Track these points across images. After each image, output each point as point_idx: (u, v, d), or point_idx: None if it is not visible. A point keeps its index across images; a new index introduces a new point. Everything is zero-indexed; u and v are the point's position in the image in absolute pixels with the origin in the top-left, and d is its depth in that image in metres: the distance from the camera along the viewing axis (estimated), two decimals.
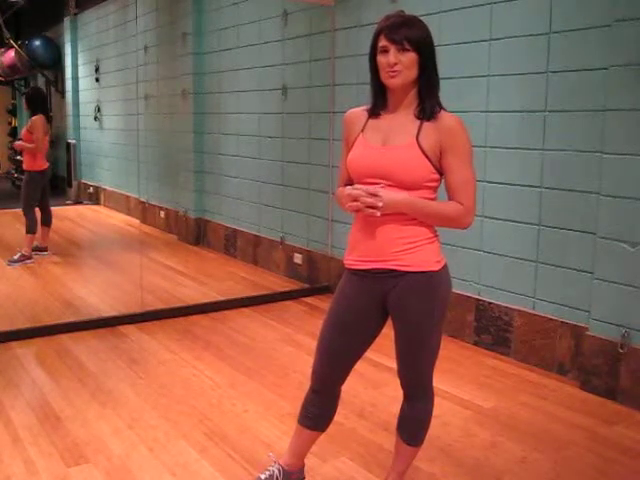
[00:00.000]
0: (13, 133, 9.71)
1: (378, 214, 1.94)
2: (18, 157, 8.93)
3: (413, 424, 2.25)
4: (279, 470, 2.33)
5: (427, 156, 1.96)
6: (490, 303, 3.94)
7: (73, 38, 9.55)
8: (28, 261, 6.03)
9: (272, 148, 5.80)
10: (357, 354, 2.19)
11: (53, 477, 2.52)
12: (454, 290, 4.26)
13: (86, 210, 9.07)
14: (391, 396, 3.14)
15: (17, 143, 6.32)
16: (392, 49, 1.93)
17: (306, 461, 2.40)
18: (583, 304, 3.46)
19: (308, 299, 5.07)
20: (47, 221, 6.32)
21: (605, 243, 3.28)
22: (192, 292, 5.21)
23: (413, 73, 1.96)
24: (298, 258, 5.52)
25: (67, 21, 9.58)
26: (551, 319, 3.62)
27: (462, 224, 2.02)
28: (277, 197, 5.78)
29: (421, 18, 2.02)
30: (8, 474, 2.53)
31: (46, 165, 6.19)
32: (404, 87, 1.99)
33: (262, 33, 5.81)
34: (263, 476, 2.34)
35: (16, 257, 6.00)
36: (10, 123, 9.90)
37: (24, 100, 6.22)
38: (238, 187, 6.37)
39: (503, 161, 3.81)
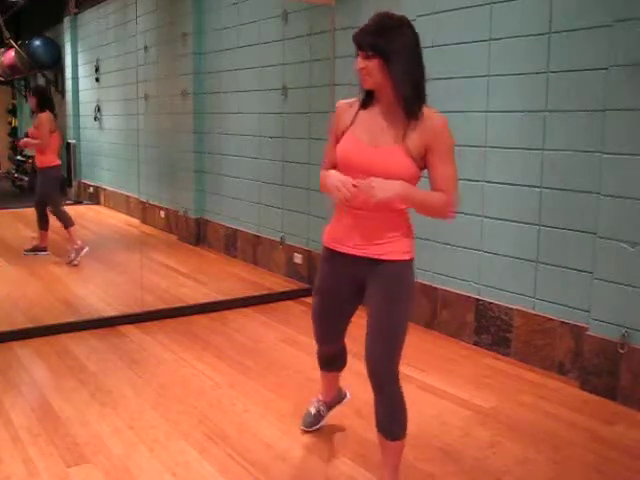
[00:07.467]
0: (13, 133, 9.70)
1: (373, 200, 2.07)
2: (18, 157, 8.93)
3: (387, 418, 2.29)
4: (323, 404, 2.86)
5: (412, 156, 2.11)
6: (490, 303, 3.94)
7: (73, 38, 9.55)
8: (84, 251, 6.02)
9: (272, 148, 5.80)
10: (345, 317, 2.46)
11: (53, 477, 2.52)
12: (454, 290, 4.27)
13: (86, 210, 9.07)
14: None
15: (23, 140, 6.30)
16: (360, 55, 2.09)
17: (306, 461, 2.41)
18: (583, 304, 3.45)
19: (308, 299, 5.06)
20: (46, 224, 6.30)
21: (605, 243, 3.28)
22: (192, 292, 5.21)
23: (379, 77, 2.09)
24: (298, 258, 5.52)
25: (67, 21, 9.58)
26: (551, 319, 3.62)
27: (445, 214, 2.20)
28: (277, 197, 5.78)
29: (408, 20, 2.11)
30: (8, 474, 2.53)
31: (58, 161, 6.18)
32: (383, 87, 2.12)
33: (262, 33, 5.81)
34: (313, 411, 2.86)
35: (72, 255, 6.00)
36: (10, 123, 9.90)
37: (34, 98, 6.12)
38: (238, 187, 6.37)
39: (503, 161, 3.81)
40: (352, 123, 2.21)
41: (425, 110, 2.11)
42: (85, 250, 6.05)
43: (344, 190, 2.09)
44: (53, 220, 6.50)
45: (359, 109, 2.22)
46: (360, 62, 2.10)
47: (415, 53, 2.10)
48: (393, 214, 2.19)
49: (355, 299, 2.39)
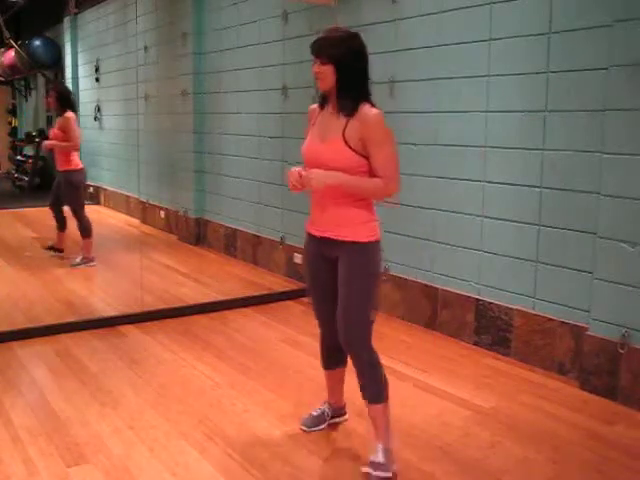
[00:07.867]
0: (13, 133, 9.69)
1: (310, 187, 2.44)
2: (18, 157, 8.92)
3: (364, 381, 2.58)
4: (328, 407, 2.94)
5: (352, 148, 2.41)
6: (490, 303, 3.94)
7: (73, 38, 9.54)
8: (91, 263, 5.99)
9: (272, 148, 5.80)
10: (333, 292, 2.59)
11: (53, 477, 2.52)
12: (454, 290, 4.26)
13: (86, 210, 9.05)
14: (390, 397, 3.14)
15: (48, 142, 5.99)
16: (316, 61, 2.45)
17: (306, 461, 2.41)
18: (583, 304, 3.45)
19: (308, 299, 5.06)
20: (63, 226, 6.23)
21: (605, 243, 3.28)
22: (192, 292, 5.21)
23: (332, 81, 2.44)
24: (298, 258, 5.52)
25: (67, 21, 9.57)
26: (551, 319, 3.62)
27: (384, 193, 2.47)
28: (277, 197, 5.78)
29: (359, 35, 2.47)
30: (8, 474, 2.53)
31: (82, 164, 5.97)
32: (334, 90, 2.45)
33: (262, 33, 5.81)
34: (315, 413, 2.94)
35: (78, 260, 5.98)
36: (10, 123, 9.88)
37: (53, 97, 5.91)
38: (238, 187, 6.37)
39: (503, 161, 3.81)
40: (313, 124, 2.59)
41: (364, 107, 2.41)
42: (92, 264, 6.01)
43: (292, 179, 2.45)
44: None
45: (319, 111, 2.59)
46: (316, 67, 2.45)
47: (361, 62, 2.46)
48: (349, 200, 2.46)
49: (335, 275, 2.59)
